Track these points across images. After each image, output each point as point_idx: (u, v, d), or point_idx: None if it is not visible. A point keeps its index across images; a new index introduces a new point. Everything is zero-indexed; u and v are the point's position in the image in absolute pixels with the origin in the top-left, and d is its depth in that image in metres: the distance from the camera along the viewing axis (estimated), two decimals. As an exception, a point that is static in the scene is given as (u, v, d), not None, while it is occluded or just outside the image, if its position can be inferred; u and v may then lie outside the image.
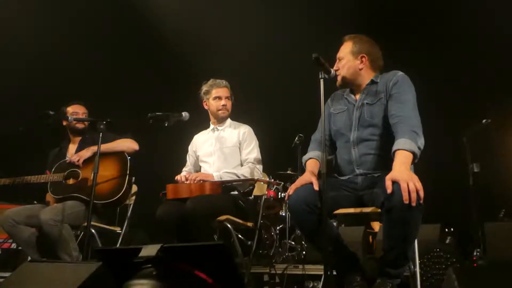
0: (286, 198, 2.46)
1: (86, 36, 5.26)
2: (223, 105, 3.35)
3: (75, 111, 3.68)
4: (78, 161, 3.45)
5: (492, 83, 4.67)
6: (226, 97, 3.37)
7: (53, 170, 3.52)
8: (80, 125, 3.64)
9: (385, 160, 2.30)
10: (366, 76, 2.54)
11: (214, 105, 3.37)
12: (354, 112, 2.50)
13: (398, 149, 2.16)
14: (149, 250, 1.42)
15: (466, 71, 4.78)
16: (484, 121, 4.31)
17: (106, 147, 3.41)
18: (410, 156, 2.14)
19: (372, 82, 2.52)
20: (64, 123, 3.64)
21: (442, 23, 4.79)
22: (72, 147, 3.68)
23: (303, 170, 2.58)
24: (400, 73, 2.47)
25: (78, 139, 3.69)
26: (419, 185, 2.01)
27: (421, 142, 2.22)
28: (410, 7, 4.77)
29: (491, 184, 4.36)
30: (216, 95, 3.36)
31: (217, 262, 1.36)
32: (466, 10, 4.58)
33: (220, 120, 3.42)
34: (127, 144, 3.59)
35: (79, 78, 5.27)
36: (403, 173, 2.03)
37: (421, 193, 2.00)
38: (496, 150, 4.05)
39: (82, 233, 3.43)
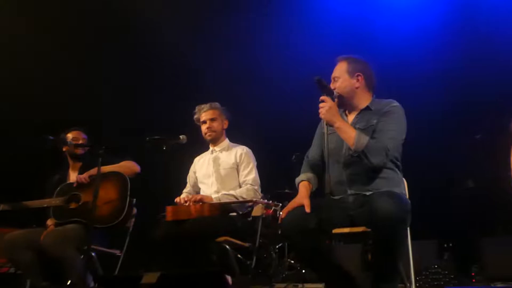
0: (279, 221, 2.48)
1: (80, 59, 5.27)
2: (207, 128, 3.42)
3: (75, 137, 3.68)
4: (85, 179, 3.45)
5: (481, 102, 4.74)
6: (210, 119, 3.43)
7: (55, 193, 3.50)
8: (79, 151, 3.64)
9: (376, 180, 2.40)
10: (362, 96, 2.60)
11: (202, 130, 3.46)
12: None
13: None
14: (150, 277, 1.46)
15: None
16: (477, 136, 4.39)
17: (109, 169, 3.45)
18: (351, 136, 2.35)
19: (367, 108, 2.58)
20: (64, 148, 3.64)
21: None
22: (73, 174, 3.67)
23: None
24: (395, 103, 2.54)
25: (79, 165, 3.68)
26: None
27: (369, 155, 2.32)
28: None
29: (487, 199, 4.40)
30: (202, 120, 3.45)
31: (215, 288, 1.39)
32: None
33: (214, 142, 3.48)
34: (129, 166, 3.61)
35: (76, 101, 5.24)
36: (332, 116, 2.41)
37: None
38: (488, 165, 4.12)
39: (82, 256, 3.43)
